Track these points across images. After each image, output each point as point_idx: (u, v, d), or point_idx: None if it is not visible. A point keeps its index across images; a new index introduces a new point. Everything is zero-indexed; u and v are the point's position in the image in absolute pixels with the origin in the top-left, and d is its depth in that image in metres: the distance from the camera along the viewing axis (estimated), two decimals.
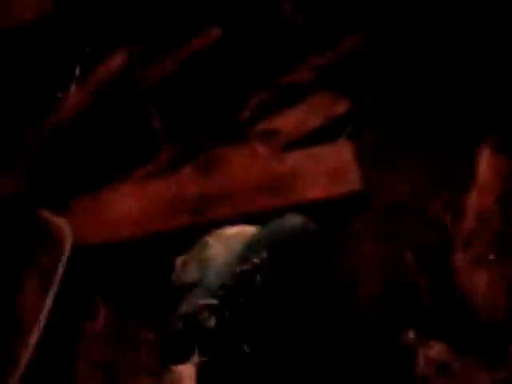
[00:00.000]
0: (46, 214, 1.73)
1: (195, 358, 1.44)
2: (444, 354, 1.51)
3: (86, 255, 1.73)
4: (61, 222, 1.72)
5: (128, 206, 1.86)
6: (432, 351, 1.51)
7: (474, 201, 1.70)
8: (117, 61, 2.09)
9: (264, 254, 1.51)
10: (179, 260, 1.66)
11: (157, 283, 1.69)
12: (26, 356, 1.52)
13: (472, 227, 1.66)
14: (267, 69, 2.12)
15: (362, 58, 2.06)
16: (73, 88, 2.05)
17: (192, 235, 1.71)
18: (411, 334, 1.53)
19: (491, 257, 1.61)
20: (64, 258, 1.65)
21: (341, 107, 2.02)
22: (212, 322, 1.47)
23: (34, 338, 1.55)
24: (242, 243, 1.58)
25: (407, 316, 1.58)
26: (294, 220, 1.56)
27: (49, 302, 1.60)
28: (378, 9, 2.07)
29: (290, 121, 2.03)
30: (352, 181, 1.80)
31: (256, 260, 1.52)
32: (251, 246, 1.56)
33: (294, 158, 1.90)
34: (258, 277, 1.50)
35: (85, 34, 2.07)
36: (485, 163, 1.75)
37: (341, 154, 1.87)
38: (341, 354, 1.48)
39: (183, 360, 1.45)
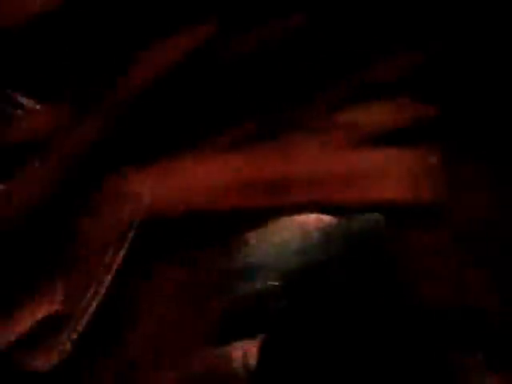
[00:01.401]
0: (122, 169, 1.74)
1: (260, 337, 1.45)
2: None
3: (159, 217, 1.75)
4: (137, 180, 1.73)
5: (204, 175, 1.85)
6: (490, 381, 1.46)
7: None
8: (202, 28, 2.08)
9: (340, 248, 1.51)
10: (247, 239, 1.66)
11: (224, 257, 1.70)
12: (93, 306, 1.54)
13: None
14: (355, 59, 2.10)
15: (454, 63, 2.03)
16: (156, 49, 2.04)
17: (262, 217, 1.72)
18: (472, 358, 1.48)
19: None
20: (138, 216, 1.66)
21: (428, 111, 1.99)
22: (280, 305, 1.47)
23: (102, 289, 1.57)
24: (319, 232, 1.58)
25: (469, 339, 1.55)
26: (375, 220, 1.55)
27: (120, 256, 1.61)
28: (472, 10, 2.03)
29: (374, 116, 2.00)
30: (433, 188, 1.78)
31: (331, 252, 1.51)
32: (328, 237, 1.55)
33: (375, 156, 1.89)
34: (333, 269, 1.49)
35: None
36: None
37: (424, 159, 1.85)
38: (398, 358, 1.47)
39: (248, 336, 1.46)
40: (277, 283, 1.50)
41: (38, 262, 1.62)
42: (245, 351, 1.44)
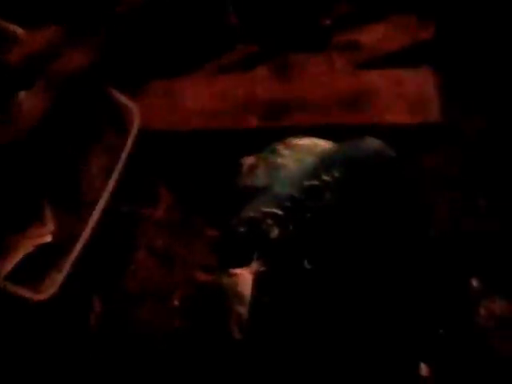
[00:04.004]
0: (115, 93, 1.70)
1: (254, 265, 1.43)
2: (506, 310, 1.48)
3: (152, 140, 1.72)
4: (130, 103, 1.69)
5: (198, 97, 1.82)
6: (494, 305, 1.48)
7: None
8: None
9: (336, 173, 1.48)
10: (246, 162, 1.63)
11: (220, 181, 1.67)
12: (84, 235, 1.52)
13: None
14: None
15: None
16: None
17: (260, 139, 1.68)
18: (475, 283, 1.50)
19: None
20: (131, 139, 1.64)
21: (427, 32, 1.94)
22: (275, 232, 1.45)
23: (94, 218, 1.55)
24: (314, 157, 1.54)
25: (474, 264, 1.53)
26: (371, 143, 1.52)
27: (112, 181, 1.58)
28: None
29: (372, 37, 1.95)
30: (431, 111, 1.75)
31: (327, 177, 1.48)
32: (323, 162, 1.52)
33: (374, 77, 1.85)
34: (327, 195, 1.46)
35: None
36: None
37: (422, 81, 1.81)
38: (402, 287, 1.45)
39: (242, 264, 1.44)
40: (271, 210, 1.47)
41: (27, 196, 1.61)
42: (237, 279, 1.43)
